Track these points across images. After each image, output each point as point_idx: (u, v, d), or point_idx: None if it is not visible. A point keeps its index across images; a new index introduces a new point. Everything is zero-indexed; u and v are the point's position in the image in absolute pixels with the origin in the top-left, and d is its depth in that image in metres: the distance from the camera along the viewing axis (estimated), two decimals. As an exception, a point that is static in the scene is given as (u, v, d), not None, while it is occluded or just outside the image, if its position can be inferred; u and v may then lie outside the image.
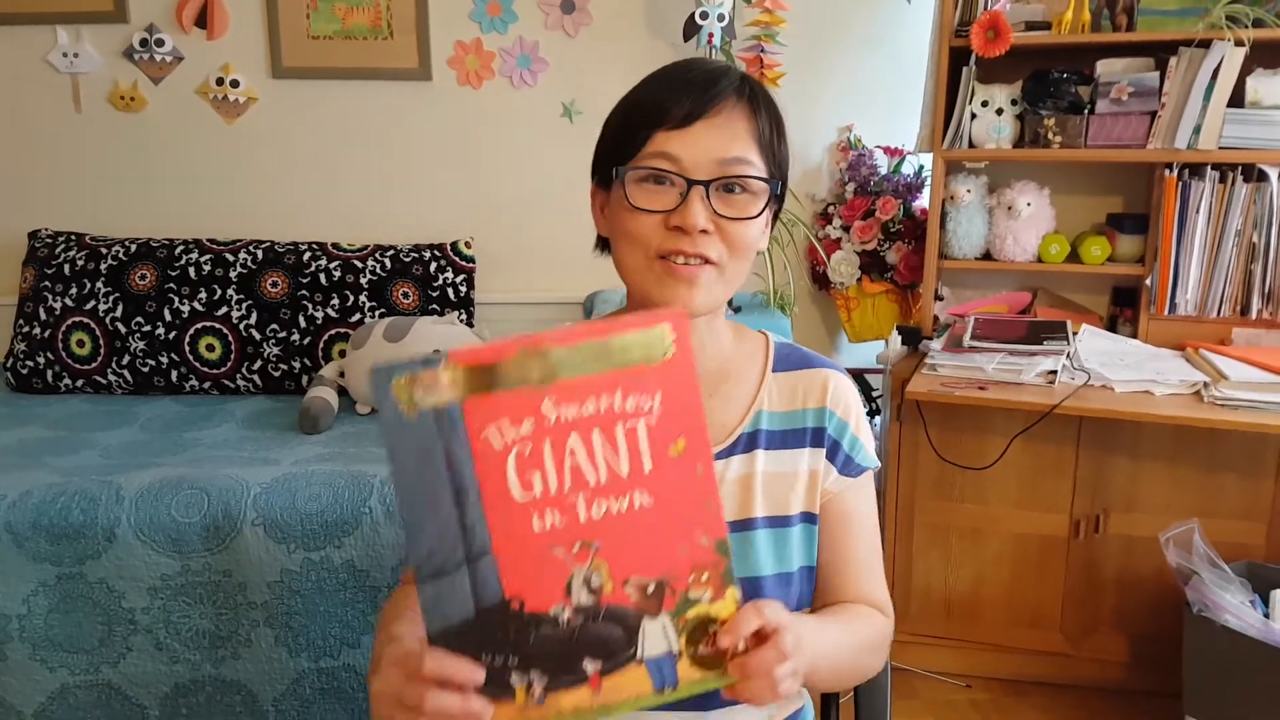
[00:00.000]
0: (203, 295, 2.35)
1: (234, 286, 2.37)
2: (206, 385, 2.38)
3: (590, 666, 0.72)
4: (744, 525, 0.94)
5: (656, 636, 0.73)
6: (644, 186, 0.88)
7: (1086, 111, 2.15)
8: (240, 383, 2.37)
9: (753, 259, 0.93)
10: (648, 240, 0.88)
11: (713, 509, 0.74)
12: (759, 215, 0.89)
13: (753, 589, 0.93)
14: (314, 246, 2.44)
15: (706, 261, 0.88)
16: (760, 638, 0.75)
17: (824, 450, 0.97)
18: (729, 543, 0.75)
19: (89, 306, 2.36)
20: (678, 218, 0.87)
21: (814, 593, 0.99)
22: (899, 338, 2.34)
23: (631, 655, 0.72)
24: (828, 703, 1.17)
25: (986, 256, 2.34)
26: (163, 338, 2.34)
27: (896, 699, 2.16)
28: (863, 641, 0.94)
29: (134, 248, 2.42)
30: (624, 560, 0.72)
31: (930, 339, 2.27)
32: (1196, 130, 2.07)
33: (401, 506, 0.70)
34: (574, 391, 0.71)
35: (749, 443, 0.96)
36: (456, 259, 2.48)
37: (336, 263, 2.41)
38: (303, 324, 2.36)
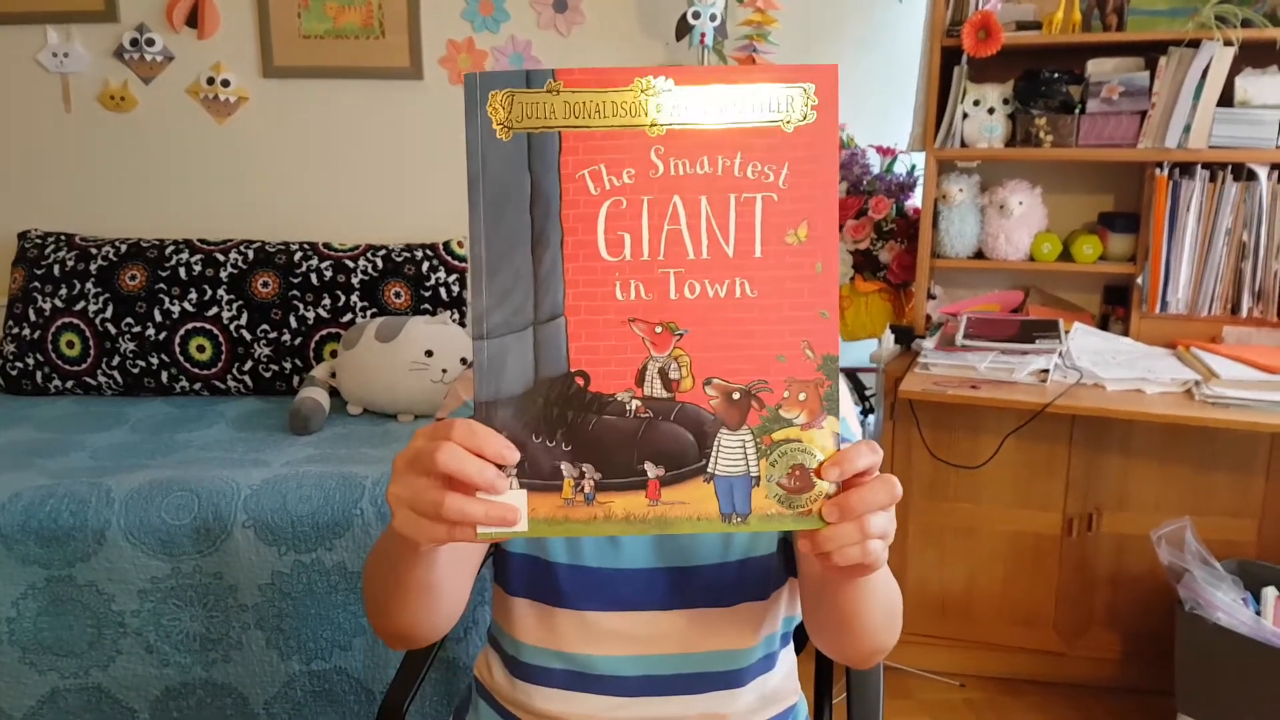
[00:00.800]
0: (193, 296, 2.35)
1: (225, 287, 2.36)
2: (197, 386, 2.37)
3: (652, 470, 0.63)
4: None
5: (734, 453, 0.63)
6: None
7: (1077, 111, 2.15)
8: (231, 384, 2.36)
9: None
10: None
11: (827, 319, 0.64)
12: None
13: (717, 573, 0.92)
14: (305, 246, 2.44)
15: None
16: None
17: None
18: (837, 361, 0.64)
19: (79, 307, 2.34)
20: None
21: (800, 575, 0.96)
22: (892, 337, 2.34)
23: (701, 467, 0.63)
24: (820, 702, 1.17)
25: (979, 255, 2.34)
26: (153, 338, 2.33)
27: (890, 698, 2.16)
28: (893, 589, 0.87)
29: (124, 248, 2.41)
30: (710, 355, 0.63)
31: (923, 338, 2.27)
32: (1186, 129, 2.08)
33: (474, 245, 0.62)
34: (689, 143, 0.62)
35: None
36: (448, 258, 2.48)
37: (328, 263, 2.40)
38: (294, 324, 2.35)
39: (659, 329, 0.63)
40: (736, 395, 0.63)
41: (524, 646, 0.96)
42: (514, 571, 0.96)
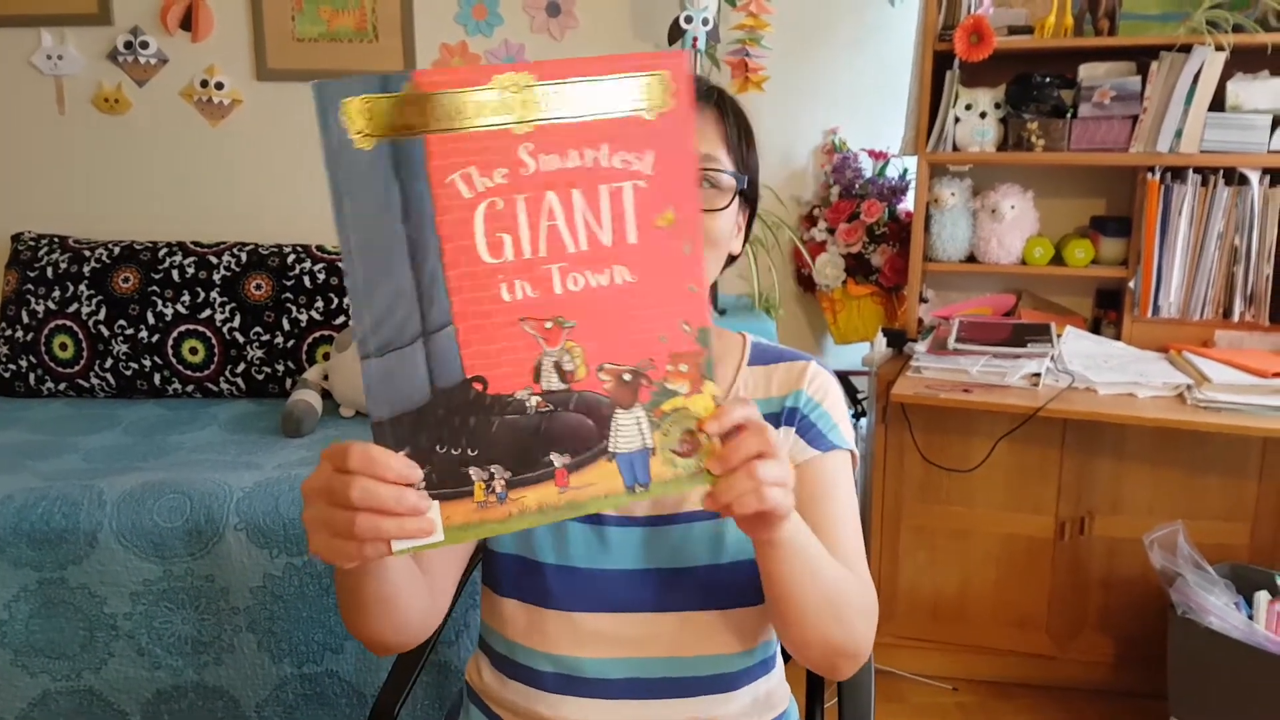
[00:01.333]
0: (186, 298, 2.34)
1: (217, 289, 2.35)
2: (189, 388, 2.36)
3: (557, 460, 0.65)
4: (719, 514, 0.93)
5: (630, 430, 0.67)
6: None
7: (1069, 115, 2.16)
8: (223, 386, 2.36)
9: (720, 255, 0.95)
10: None
11: (697, 294, 0.67)
12: (725, 208, 0.92)
13: (709, 575, 0.93)
14: (298, 249, 2.44)
15: None
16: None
17: (794, 428, 0.96)
18: (710, 332, 0.68)
19: (72, 309, 2.34)
20: None
21: None
22: (884, 340, 2.34)
23: (602, 449, 0.66)
24: (812, 707, 1.17)
25: (971, 259, 2.35)
26: (146, 341, 2.33)
27: (882, 702, 2.16)
28: (845, 581, 0.87)
29: (117, 250, 2.41)
30: (600, 343, 0.65)
31: (915, 341, 2.28)
32: (1178, 134, 2.09)
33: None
34: (556, 139, 0.62)
35: None
36: (442, 262, 2.48)
37: (321, 265, 2.40)
38: (286, 327, 2.35)
39: (549, 325, 0.64)
40: (628, 377, 0.66)
41: (515, 646, 0.96)
42: (502, 572, 0.96)
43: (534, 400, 0.64)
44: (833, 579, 0.85)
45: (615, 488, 0.67)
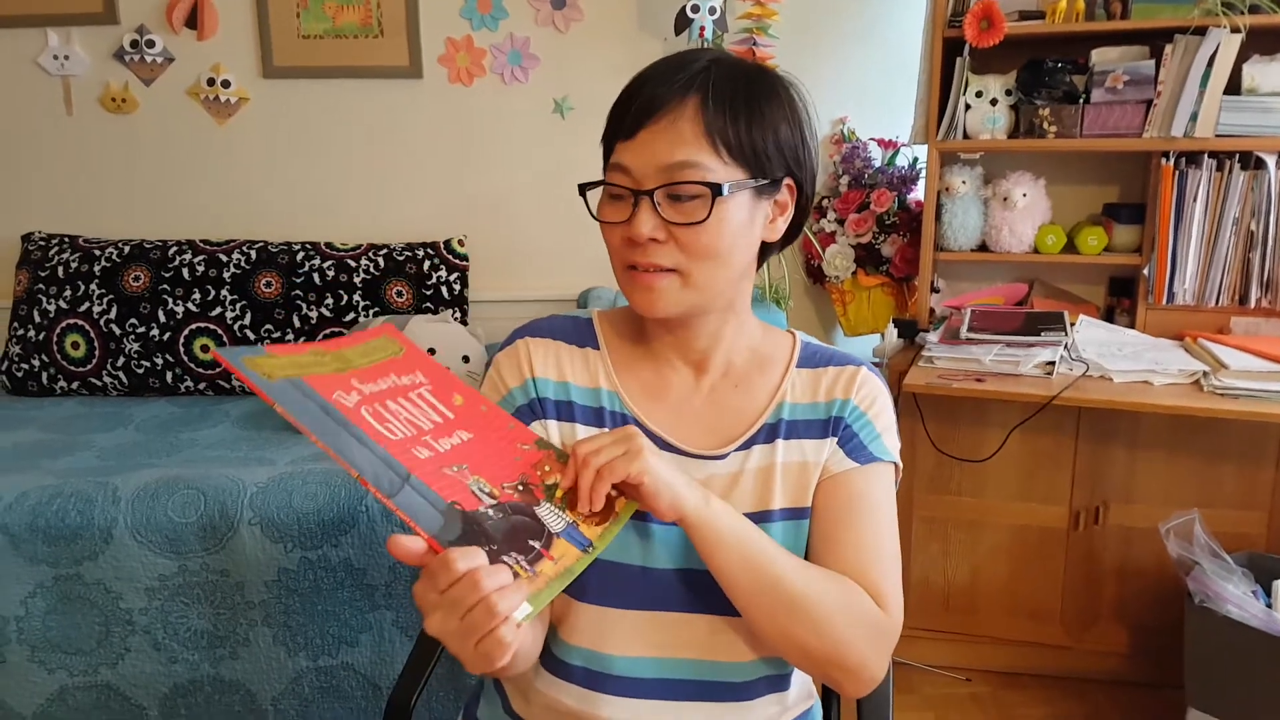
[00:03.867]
0: (196, 296, 2.35)
1: (228, 287, 2.36)
2: (201, 386, 2.37)
3: (536, 544, 0.79)
4: (761, 518, 0.93)
5: (552, 517, 0.82)
6: (608, 199, 0.91)
7: (1081, 101, 2.14)
8: (235, 383, 2.37)
9: (730, 260, 0.89)
10: (616, 251, 0.91)
11: (515, 428, 0.90)
12: (706, 220, 0.86)
13: None
14: (307, 246, 2.44)
15: (663, 269, 0.88)
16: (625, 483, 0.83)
17: (837, 438, 0.95)
18: (545, 440, 0.90)
19: (83, 308, 2.35)
20: (626, 229, 0.88)
21: None
22: (895, 331, 2.33)
23: (549, 533, 0.81)
24: (829, 698, 1.16)
25: (982, 248, 2.33)
26: (157, 339, 2.33)
27: (896, 694, 2.15)
28: (823, 592, 0.86)
29: (127, 249, 2.41)
30: (490, 472, 0.83)
31: (927, 331, 2.26)
32: (1193, 118, 2.07)
33: (326, 443, 0.74)
34: (366, 375, 0.84)
35: (770, 433, 0.95)
36: (450, 257, 2.48)
37: (330, 262, 2.40)
38: (297, 324, 2.35)
39: (455, 469, 0.81)
40: (521, 488, 0.84)
41: (555, 638, 0.95)
42: None
43: (490, 511, 0.79)
44: (786, 575, 0.84)
45: (575, 555, 0.81)
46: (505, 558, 0.76)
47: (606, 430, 0.85)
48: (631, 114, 0.87)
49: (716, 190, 0.85)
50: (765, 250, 0.97)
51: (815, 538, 0.93)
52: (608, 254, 0.93)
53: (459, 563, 0.70)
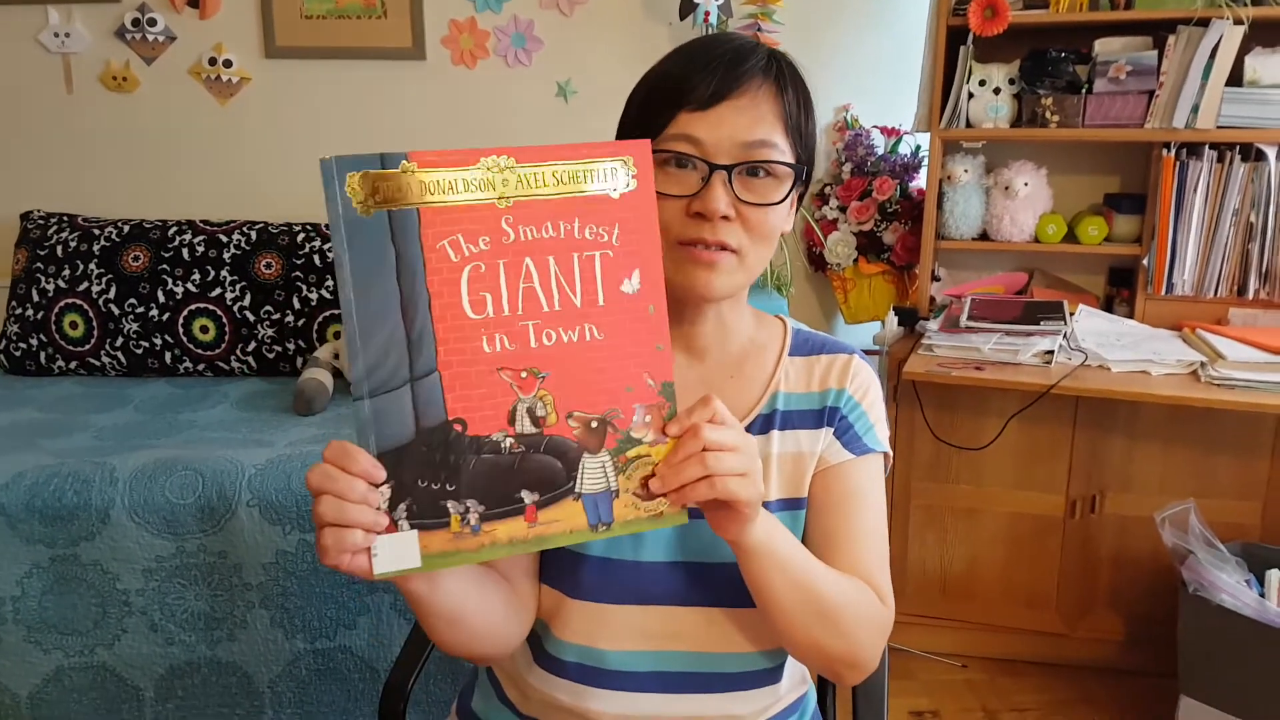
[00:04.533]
0: (196, 277, 2.34)
1: (227, 268, 2.35)
2: (200, 367, 2.37)
3: (528, 497, 0.72)
4: (783, 506, 0.93)
5: (596, 473, 0.74)
6: (665, 170, 0.85)
7: (1084, 91, 2.14)
8: (234, 364, 2.36)
9: (775, 244, 0.91)
10: (668, 226, 0.85)
11: (662, 352, 0.75)
12: (783, 200, 0.87)
13: (737, 572, 0.91)
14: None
15: (727, 248, 0.86)
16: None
17: (833, 429, 0.94)
18: (674, 386, 0.76)
19: (82, 288, 2.34)
20: (699, 203, 0.84)
21: None
22: (895, 319, 2.33)
23: (569, 489, 0.73)
24: (824, 685, 1.17)
25: (983, 237, 2.33)
26: (156, 319, 2.33)
27: (893, 680, 2.16)
28: (844, 593, 0.86)
29: (126, 229, 2.41)
30: (570, 393, 0.73)
31: (927, 320, 2.26)
32: (1194, 109, 2.06)
33: (347, 315, 0.68)
34: (533, 213, 0.71)
35: (765, 424, 0.94)
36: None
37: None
38: (297, 305, 2.35)
39: (524, 374, 0.71)
40: (594, 424, 0.73)
41: (542, 633, 0.95)
42: (545, 563, 0.94)
43: (508, 442, 0.71)
44: (826, 589, 0.84)
45: (580, 525, 0.73)
46: (450, 502, 0.70)
47: (728, 421, 0.76)
48: (709, 86, 0.85)
49: (799, 172, 0.88)
50: None
51: (814, 530, 0.93)
52: None
53: (326, 450, 0.69)
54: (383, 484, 0.69)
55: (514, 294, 0.71)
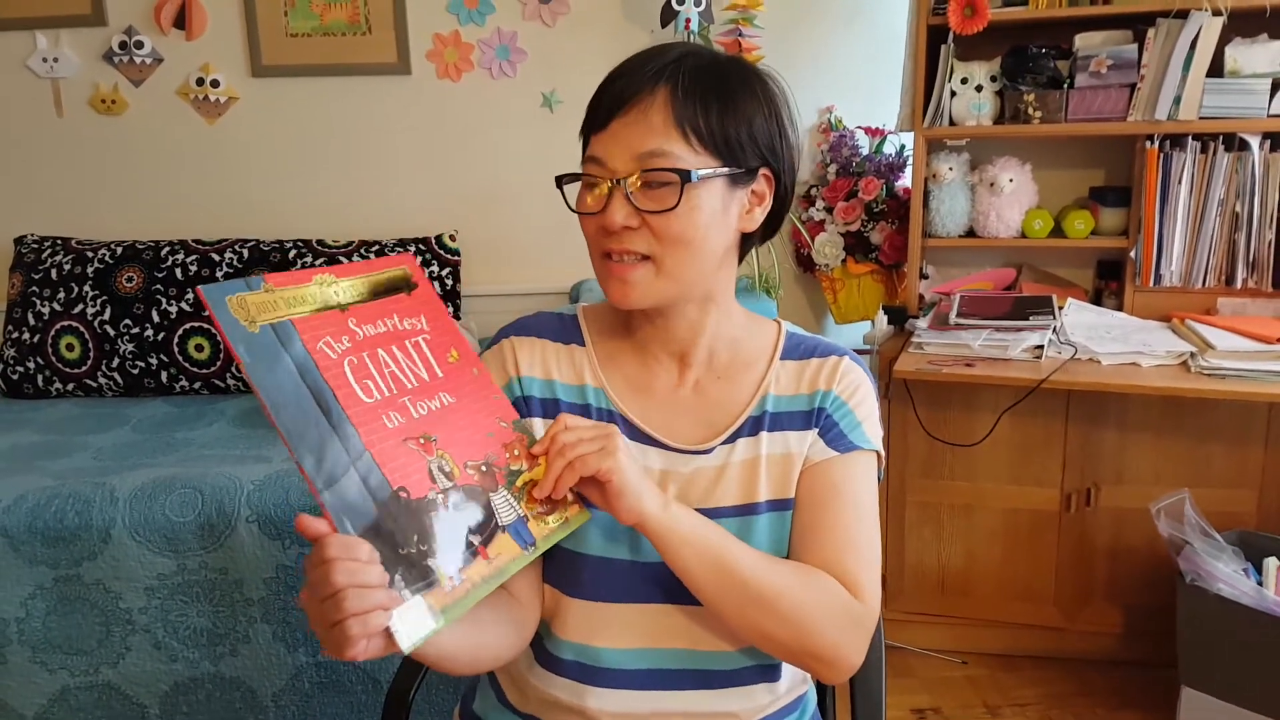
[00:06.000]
0: (190, 296, 2.35)
1: (221, 286, 2.36)
2: (197, 385, 2.38)
3: (475, 540, 0.80)
4: (748, 510, 0.93)
5: (504, 507, 0.83)
6: (584, 192, 0.92)
7: (1066, 86, 2.15)
8: (230, 382, 2.37)
9: (703, 249, 0.90)
10: (592, 240, 0.92)
11: (499, 399, 0.90)
12: (675, 206, 0.87)
13: None
14: (299, 244, 2.44)
15: (639, 256, 0.89)
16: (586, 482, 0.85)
17: (818, 429, 0.95)
18: (524, 421, 0.91)
19: (77, 310, 2.36)
20: (600, 218, 0.89)
21: None
22: (885, 318, 2.34)
23: (496, 525, 0.82)
24: (823, 685, 1.17)
25: (970, 234, 2.35)
26: (152, 339, 2.34)
27: (892, 677, 2.17)
28: (792, 585, 0.86)
29: (120, 250, 2.42)
30: (457, 447, 0.83)
31: (916, 318, 2.28)
32: (1176, 101, 2.08)
33: (277, 422, 0.73)
34: (365, 314, 0.83)
35: (754, 426, 0.96)
36: (441, 252, 2.49)
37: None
38: (291, 322, 2.36)
39: (422, 440, 0.81)
40: (484, 468, 0.84)
41: (549, 633, 0.96)
42: (546, 564, 0.95)
43: (439, 498, 0.79)
44: (751, 572, 0.85)
45: (516, 551, 0.82)
46: (431, 561, 0.76)
47: (581, 424, 0.86)
48: (603, 106, 0.89)
49: (685, 176, 0.86)
50: (746, 241, 0.97)
51: (796, 526, 0.94)
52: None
53: (329, 549, 0.71)
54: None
55: (384, 378, 0.81)
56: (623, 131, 0.88)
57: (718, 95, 0.88)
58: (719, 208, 0.90)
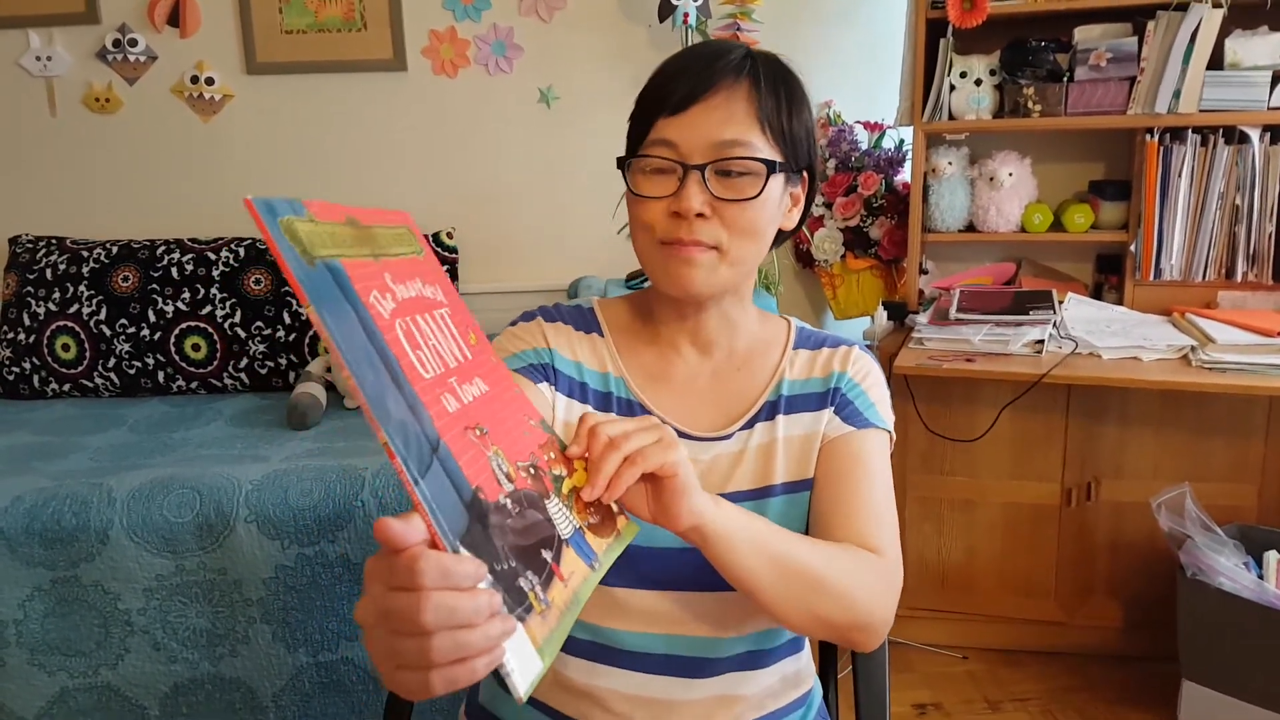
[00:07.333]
0: (186, 295, 2.34)
1: (217, 285, 2.36)
2: (194, 385, 2.37)
3: (548, 555, 0.63)
4: (762, 493, 0.94)
5: (560, 517, 0.67)
6: (647, 175, 0.90)
7: (1065, 79, 2.14)
8: (227, 381, 2.36)
9: (764, 240, 0.92)
10: (652, 227, 0.89)
11: (520, 395, 0.73)
12: (757, 196, 0.88)
13: None
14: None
15: (703, 245, 0.89)
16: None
17: (833, 407, 0.97)
18: (548, 422, 0.75)
19: (73, 310, 2.34)
20: (674, 202, 0.88)
21: None
22: (885, 313, 2.34)
23: (559, 538, 0.65)
24: (825, 679, 1.17)
25: (970, 228, 2.34)
26: (148, 339, 2.33)
27: (893, 673, 2.17)
28: (832, 559, 0.85)
29: (115, 250, 2.41)
30: (506, 443, 0.66)
31: (916, 313, 2.27)
32: (1176, 94, 2.07)
33: (361, 389, 0.54)
34: (399, 272, 0.65)
35: (771, 410, 0.97)
36: (438, 249, 2.48)
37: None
38: (288, 320, 2.35)
39: (478, 432, 0.63)
40: (534, 470, 0.67)
41: None
42: None
43: (508, 503, 0.62)
44: (804, 557, 0.83)
45: (585, 570, 0.66)
46: (522, 580, 0.58)
47: (615, 415, 0.80)
48: (680, 91, 0.88)
49: (771, 168, 0.88)
50: (775, 240, 0.99)
51: (818, 501, 0.94)
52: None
53: (423, 575, 0.52)
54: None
55: (430, 352, 0.63)
56: (702, 118, 0.87)
57: (789, 94, 0.91)
58: (777, 203, 0.92)
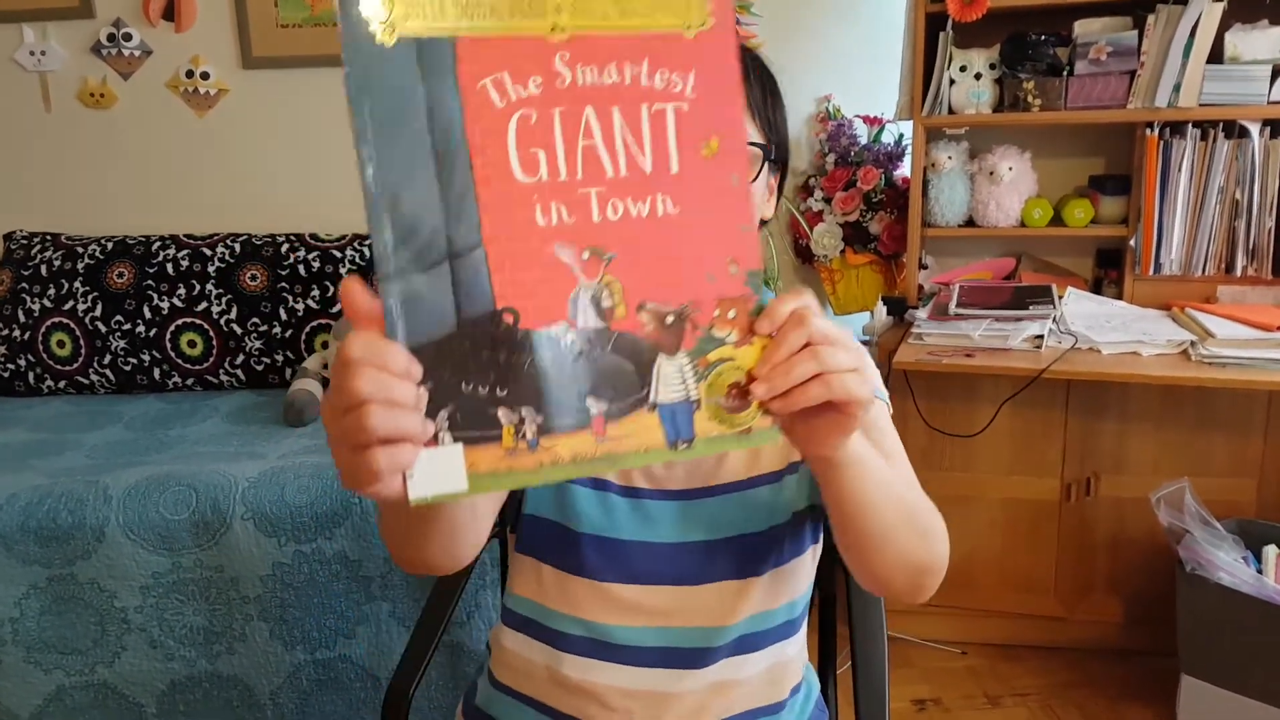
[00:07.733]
0: (182, 291, 2.33)
1: (213, 281, 2.34)
2: (189, 382, 2.36)
3: (594, 407, 0.58)
4: (788, 470, 0.93)
5: (672, 379, 0.60)
6: None
7: (1065, 73, 2.14)
8: (223, 378, 2.35)
9: (755, 225, 0.91)
10: None
11: (748, 233, 0.61)
12: (754, 180, 0.88)
13: (744, 544, 0.92)
14: (292, 238, 2.42)
15: None
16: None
17: None
18: (761, 276, 0.62)
19: (68, 307, 2.33)
20: None
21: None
22: (884, 308, 2.33)
23: (644, 397, 0.59)
24: (825, 673, 1.17)
25: (969, 223, 2.33)
26: (143, 335, 2.32)
27: (892, 668, 2.15)
28: (919, 496, 0.85)
29: (110, 246, 2.40)
30: (641, 279, 0.59)
31: (916, 308, 2.26)
32: (1176, 88, 2.07)
33: (364, 171, 0.52)
34: (594, 49, 0.57)
35: None
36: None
37: (315, 253, 2.39)
38: (284, 316, 2.34)
39: (586, 255, 0.57)
40: (671, 319, 0.60)
41: (544, 609, 0.95)
42: (537, 536, 0.95)
43: (570, 338, 0.57)
44: (903, 494, 0.82)
45: (656, 442, 0.60)
46: (500, 411, 0.56)
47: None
48: None
49: (768, 153, 0.89)
50: None
51: None
52: None
53: (353, 347, 0.53)
54: (420, 385, 0.54)
55: (572, 152, 0.56)
56: None
57: (771, 85, 0.92)
58: (762, 190, 0.92)
